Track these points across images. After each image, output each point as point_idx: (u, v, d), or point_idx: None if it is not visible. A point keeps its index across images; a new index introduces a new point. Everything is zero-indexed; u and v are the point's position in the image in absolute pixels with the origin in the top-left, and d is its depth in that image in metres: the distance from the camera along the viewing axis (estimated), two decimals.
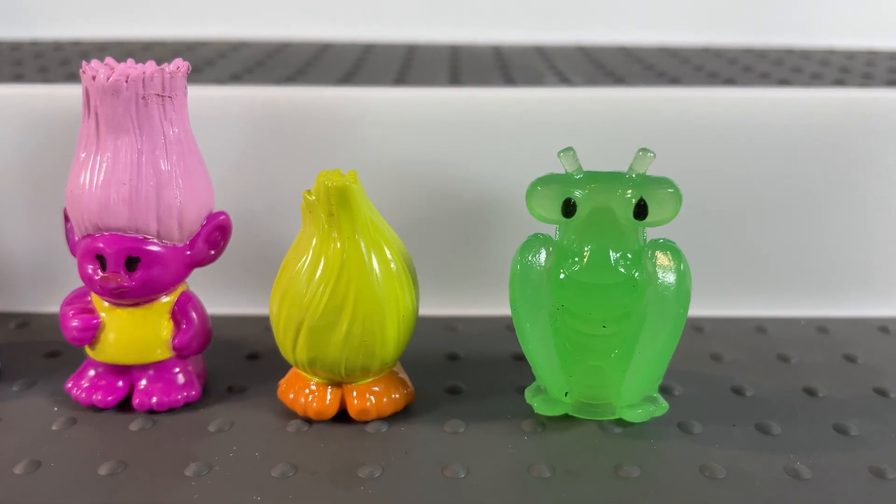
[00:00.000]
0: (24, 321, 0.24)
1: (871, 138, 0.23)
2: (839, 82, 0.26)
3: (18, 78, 0.26)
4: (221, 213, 0.19)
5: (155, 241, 0.18)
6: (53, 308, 0.24)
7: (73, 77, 0.25)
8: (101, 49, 0.32)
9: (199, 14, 0.35)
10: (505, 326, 0.24)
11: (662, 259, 0.17)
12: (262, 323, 0.24)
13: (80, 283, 0.21)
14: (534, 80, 0.26)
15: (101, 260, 0.18)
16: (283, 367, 0.21)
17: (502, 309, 0.24)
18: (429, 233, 0.24)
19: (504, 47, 0.34)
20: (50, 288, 0.24)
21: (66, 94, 0.23)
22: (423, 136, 0.23)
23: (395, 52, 0.33)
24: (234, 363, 0.22)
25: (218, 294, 0.23)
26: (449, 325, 0.24)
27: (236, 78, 0.26)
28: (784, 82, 0.25)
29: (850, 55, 0.32)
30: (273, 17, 0.35)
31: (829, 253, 0.24)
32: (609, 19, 0.35)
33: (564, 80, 0.26)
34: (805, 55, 0.32)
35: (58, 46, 0.32)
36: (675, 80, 0.26)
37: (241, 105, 0.23)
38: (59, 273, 0.24)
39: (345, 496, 0.16)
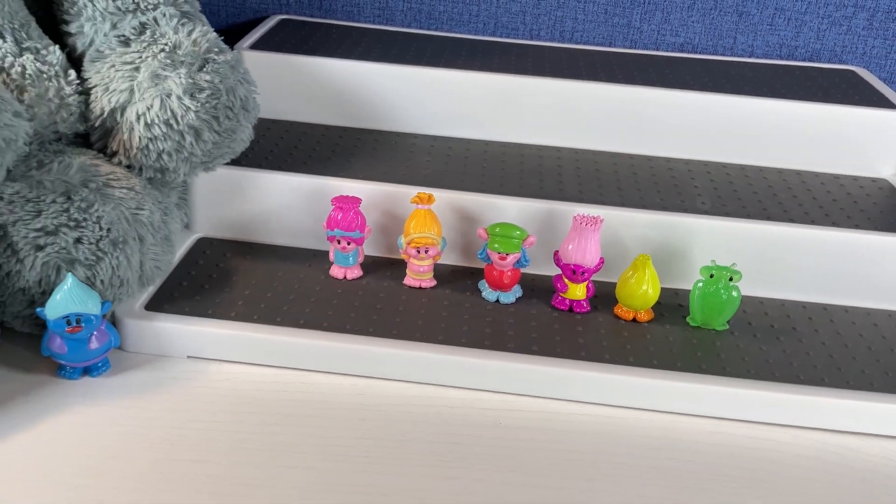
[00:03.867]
0: None
1: None
2: None
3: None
4: (602, 258, 0.62)
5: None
6: None
7: None
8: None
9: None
10: (675, 294, 0.67)
11: (734, 290, 0.59)
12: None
13: None
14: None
15: (574, 273, 0.61)
16: (610, 302, 0.64)
17: (676, 285, 0.67)
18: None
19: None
20: None
21: None
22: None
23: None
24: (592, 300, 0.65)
25: None
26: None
27: None
28: None
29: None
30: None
31: None
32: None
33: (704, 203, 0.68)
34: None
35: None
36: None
37: None
38: None
39: (649, 334, 0.60)
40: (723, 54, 0.87)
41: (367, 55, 0.76)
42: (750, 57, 0.87)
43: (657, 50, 0.87)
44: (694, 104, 0.74)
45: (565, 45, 0.86)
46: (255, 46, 0.76)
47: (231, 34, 0.88)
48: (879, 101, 0.75)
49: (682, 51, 0.87)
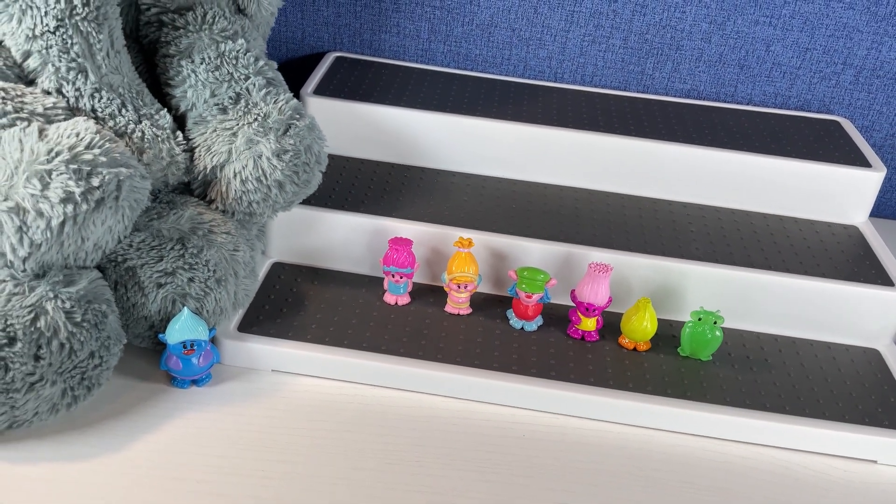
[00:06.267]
0: None
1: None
2: None
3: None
4: (610, 297, 0.75)
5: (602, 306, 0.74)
6: None
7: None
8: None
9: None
10: (669, 325, 0.80)
11: (717, 331, 0.72)
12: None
13: None
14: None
15: (587, 310, 0.74)
16: (615, 332, 0.77)
17: (671, 317, 0.80)
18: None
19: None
20: None
21: None
22: None
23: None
24: (601, 331, 0.78)
25: None
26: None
27: None
28: None
29: None
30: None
31: None
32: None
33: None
34: None
35: None
36: None
37: None
38: None
39: (646, 362, 0.73)
40: (725, 101, 0.98)
41: (414, 102, 0.88)
42: (748, 104, 0.98)
43: (666, 95, 0.98)
44: (695, 156, 0.86)
45: (585, 87, 0.98)
46: (318, 91, 0.88)
47: (291, 67, 0.99)
48: (856, 159, 0.87)
49: (688, 97, 0.98)
